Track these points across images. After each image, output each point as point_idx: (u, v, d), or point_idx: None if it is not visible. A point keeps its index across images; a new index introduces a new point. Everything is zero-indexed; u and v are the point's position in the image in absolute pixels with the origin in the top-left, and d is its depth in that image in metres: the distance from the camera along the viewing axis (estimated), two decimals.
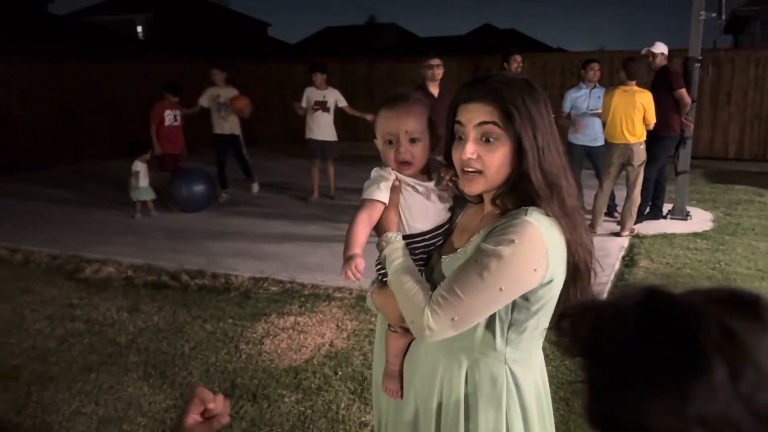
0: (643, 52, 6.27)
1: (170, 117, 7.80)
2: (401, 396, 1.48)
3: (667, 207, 6.60)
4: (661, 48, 6.24)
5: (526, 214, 1.23)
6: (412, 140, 1.35)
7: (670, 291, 0.69)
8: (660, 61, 6.19)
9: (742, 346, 0.62)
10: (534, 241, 1.21)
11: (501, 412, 1.30)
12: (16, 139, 10.61)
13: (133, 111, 11.86)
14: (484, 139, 1.25)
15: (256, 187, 8.72)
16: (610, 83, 6.90)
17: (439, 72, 5.63)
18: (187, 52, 17.71)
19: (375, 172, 1.42)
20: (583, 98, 6.44)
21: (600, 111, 6.20)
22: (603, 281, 4.77)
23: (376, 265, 1.43)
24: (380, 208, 1.37)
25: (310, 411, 3.13)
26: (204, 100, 8.18)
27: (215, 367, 3.58)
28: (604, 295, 0.71)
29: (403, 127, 1.34)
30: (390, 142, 1.37)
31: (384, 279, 1.39)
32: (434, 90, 5.65)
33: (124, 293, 4.94)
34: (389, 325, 1.43)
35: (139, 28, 32.13)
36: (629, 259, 5.35)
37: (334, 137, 8.03)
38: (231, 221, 7.15)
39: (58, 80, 11.07)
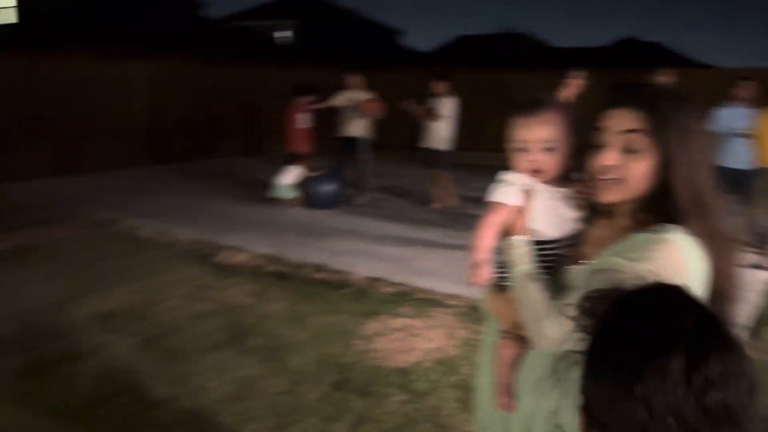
0: None
1: (300, 119, 8.21)
2: (513, 409, 1.44)
3: None
4: None
5: (667, 232, 1.16)
6: (546, 149, 1.33)
7: (682, 289, 0.74)
8: None
9: (711, 344, 0.65)
10: (673, 260, 1.13)
11: None
12: (169, 134, 11.64)
13: (272, 113, 12.61)
14: (628, 147, 1.19)
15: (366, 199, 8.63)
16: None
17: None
18: (326, 59, 18.47)
19: (504, 175, 1.41)
20: (733, 117, 5.97)
21: (752, 132, 5.72)
22: (741, 318, 4.39)
23: (496, 268, 1.42)
24: (508, 212, 1.35)
25: (416, 413, 3.17)
26: (338, 101, 8.45)
27: (327, 359, 3.72)
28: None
29: (536, 135, 1.33)
30: (522, 149, 1.36)
31: (503, 283, 1.38)
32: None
33: (252, 279, 5.26)
34: (503, 333, 1.41)
35: (281, 34, 33.90)
36: None
37: (444, 146, 7.94)
38: (353, 221, 7.37)
39: (206, 81, 12.00)
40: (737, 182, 6.06)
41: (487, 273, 1.31)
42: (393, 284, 5.08)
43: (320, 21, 33.65)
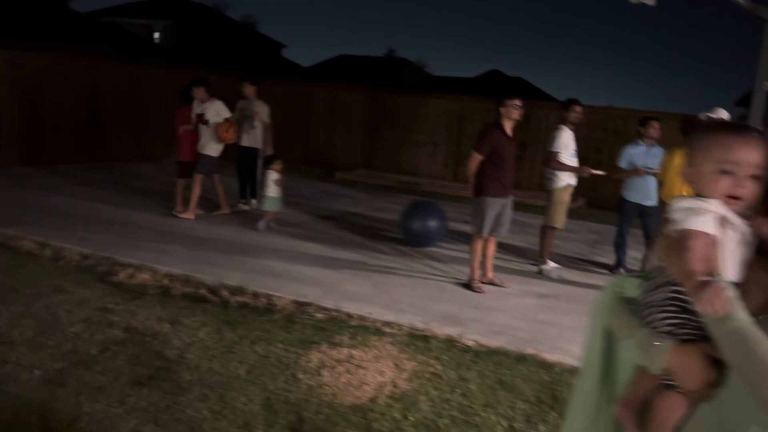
0: (703, 117, 6.22)
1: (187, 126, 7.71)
2: None
3: None
4: (722, 114, 6.20)
5: None
6: (753, 176, 1.17)
7: None
8: None
9: None
10: None
11: None
12: (43, 130, 10.41)
13: (157, 115, 11.77)
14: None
15: (255, 203, 8.51)
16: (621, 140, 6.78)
17: (520, 113, 5.55)
18: (204, 63, 17.58)
19: (692, 201, 1.21)
20: (639, 155, 6.36)
21: (657, 170, 6.13)
22: None
23: (661, 313, 1.22)
24: (707, 243, 1.16)
25: None
26: (235, 113, 8.20)
27: (276, 396, 3.35)
28: None
29: (753, 159, 1.17)
30: (726, 172, 1.18)
31: (686, 331, 1.18)
32: (509, 130, 5.55)
33: (161, 303, 4.70)
34: (671, 388, 1.21)
35: (157, 35, 32.12)
36: None
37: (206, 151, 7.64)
38: (263, 238, 6.94)
39: (82, 77, 10.89)
40: (641, 216, 6.45)
41: (726, 296, 1.08)
42: (323, 309, 4.77)
43: (198, 24, 32.30)
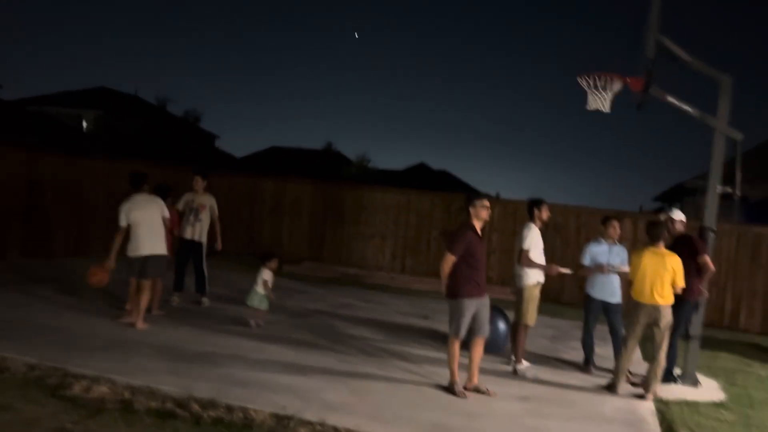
0: (663, 217, 6.52)
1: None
2: None
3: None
4: (679, 215, 6.52)
5: None
6: None
7: None
8: (679, 228, 6.44)
9: None
10: None
11: None
12: None
13: (98, 208, 11.27)
14: None
15: (206, 302, 8.26)
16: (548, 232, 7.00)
17: (488, 213, 5.62)
18: (134, 154, 17.22)
19: None
20: (602, 254, 6.53)
21: (623, 268, 6.29)
22: None
23: None
24: None
25: None
26: (180, 204, 8.17)
27: None
28: None
29: None
30: None
31: None
32: (479, 230, 5.57)
33: (125, 420, 4.24)
34: None
35: (85, 124, 31.38)
36: (667, 428, 5.15)
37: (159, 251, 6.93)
38: (219, 341, 6.51)
39: (17, 168, 10.30)
40: (606, 313, 6.55)
41: None
42: (306, 423, 4.42)
43: (128, 114, 31.91)
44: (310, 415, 4.56)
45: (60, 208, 10.97)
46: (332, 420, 4.51)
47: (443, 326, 8.09)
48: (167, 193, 7.46)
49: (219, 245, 8.36)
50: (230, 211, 12.98)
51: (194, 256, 8.17)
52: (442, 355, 6.06)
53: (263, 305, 7.34)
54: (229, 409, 4.57)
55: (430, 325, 8.46)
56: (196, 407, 4.54)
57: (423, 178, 37.57)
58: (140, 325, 6.67)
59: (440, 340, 7.26)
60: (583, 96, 6.63)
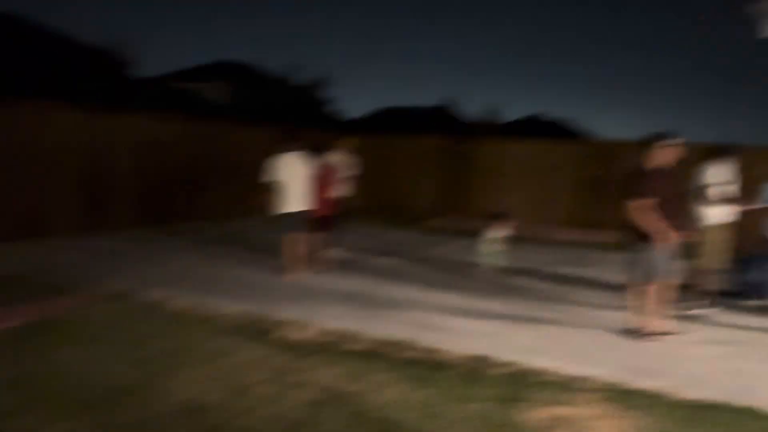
0: None
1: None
2: None
3: None
4: None
5: None
6: None
7: None
8: None
9: None
10: None
11: None
12: (153, 194, 10.64)
13: (248, 172, 11.89)
14: None
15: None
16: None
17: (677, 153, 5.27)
18: (267, 121, 17.81)
19: None
20: None
21: None
22: None
23: None
24: None
25: None
26: (329, 163, 8.18)
27: None
28: None
29: None
30: None
31: None
32: (666, 170, 5.26)
33: (335, 360, 4.52)
34: None
35: (214, 96, 33.06)
36: None
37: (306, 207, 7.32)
38: (394, 290, 6.73)
39: (171, 140, 11.07)
40: None
41: None
42: (504, 364, 4.51)
43: (250, 84, 33.15)
44: (507, 356, 4.63)
45: (214, 174, 11.76)
46: (526, 362, 4.56)
47: (607, 275, 7.91)
48: (318, 151, 7.69)
49: (358, 202, 8.63)
50: (366, 170, 13.31)
51: (342, 214, 8.32)
52: (620, 302, 5.91)
53: (494, 261, 7.66)
54: (426, 350, 4.75)
55: (598, 275, 8.22)
56: (394, 348, 4.76)
57: (536, 130, 36.29)
58: (307, 275, 7.18)
59: (610, 288, 7.09)
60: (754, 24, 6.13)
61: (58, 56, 18.54)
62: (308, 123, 23.77)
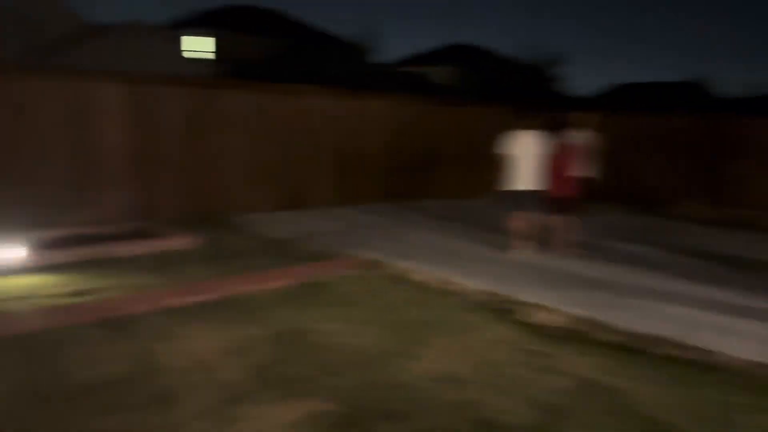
0: None
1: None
2: None
3: None
4: None
5: None
6: None
7: None
8: None
9: None
10: None
11: None
12: (398, 171, 11.21)
13: (478, 152, 11.81)
14: None
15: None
16: None
17: None
18: (492, 100, 17.50)
19: None
20: None
21: None
22: None
23: None
24: None
25: None
26: (572, 142, 7.67)
27: None
28: None
29: None
30: None
31: None
32: None
33: (590, 350, 4.22)
34: None
35: (442, 79, 33.68)
36: None
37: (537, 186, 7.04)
38: (648, 278, 6.10)
39: (409, 121, 11.39)
40: None
41: None
42: None
43: (477, 66, 33.01)
44: None
45: (447, 153, 11.95)
46: None
47: None
48: (556, 130, 7.26)
49: (599, 184, 8.06)
50: (606, 149, 12.44)
51: (585, 196, 7.70)
52: None
53: None
54: (697, 350, 4.21)
55: None
56: (655, 345, 4.31)
57: None
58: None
59: None
60: None
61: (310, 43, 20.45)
62: (540, 101, 23.05)
